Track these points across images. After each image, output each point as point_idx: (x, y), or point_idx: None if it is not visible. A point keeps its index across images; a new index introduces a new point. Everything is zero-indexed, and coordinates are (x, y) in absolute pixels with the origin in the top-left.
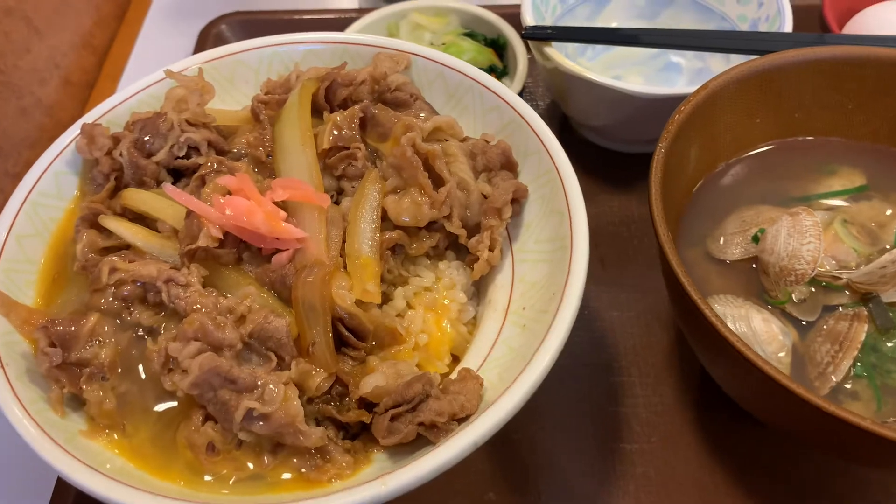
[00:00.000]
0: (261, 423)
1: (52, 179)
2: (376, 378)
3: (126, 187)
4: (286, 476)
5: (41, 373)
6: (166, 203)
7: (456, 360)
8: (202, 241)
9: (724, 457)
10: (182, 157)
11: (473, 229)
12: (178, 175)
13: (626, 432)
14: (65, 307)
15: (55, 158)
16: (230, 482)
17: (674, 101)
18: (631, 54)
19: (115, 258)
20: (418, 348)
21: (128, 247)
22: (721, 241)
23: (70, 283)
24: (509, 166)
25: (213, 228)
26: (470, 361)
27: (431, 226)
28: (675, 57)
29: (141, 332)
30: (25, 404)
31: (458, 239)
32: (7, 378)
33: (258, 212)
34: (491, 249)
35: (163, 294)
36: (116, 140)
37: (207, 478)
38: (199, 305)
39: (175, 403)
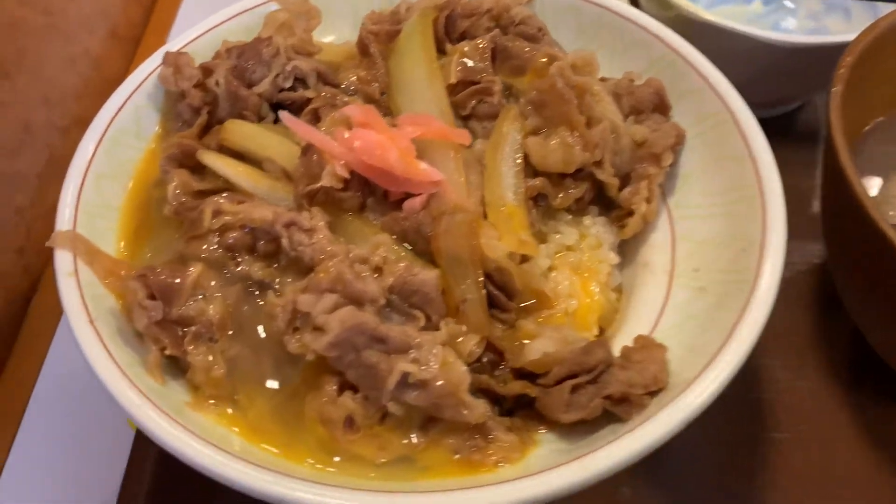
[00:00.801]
0: (415, 391)
1: (132, 115)
2: (544, 343)
3: (219, 123)
4: (441, 458)
5: (139, 329)
6: (276, 139)
7: (600, 331)
8: (326, 181)
9: (892, 451)
10: (287, 90)
11: (622, 180)
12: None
13: (771, 421)
14: (154, 259)
15: (134, 91)
16: (375, 464)
17: (818, 52)
18: (737, 14)
19: (220, 199)
20: (567, 315)
21: (224, 191)
22: (888, 205)
23: (155, 233)
24: (662, 108)
25: (338, 166)
26: (629, 330)
27: (577, 174)
28: (787, 19)
29: (251, 287)
30: (124, 367)
31: (605, 191)
32: (100, 336)
33: (392, 148)
34: (648, 202)
35: (283, 240)
36: (207, 71)
37: (337, 459)
38: (328, 254)
39: (298, 370)
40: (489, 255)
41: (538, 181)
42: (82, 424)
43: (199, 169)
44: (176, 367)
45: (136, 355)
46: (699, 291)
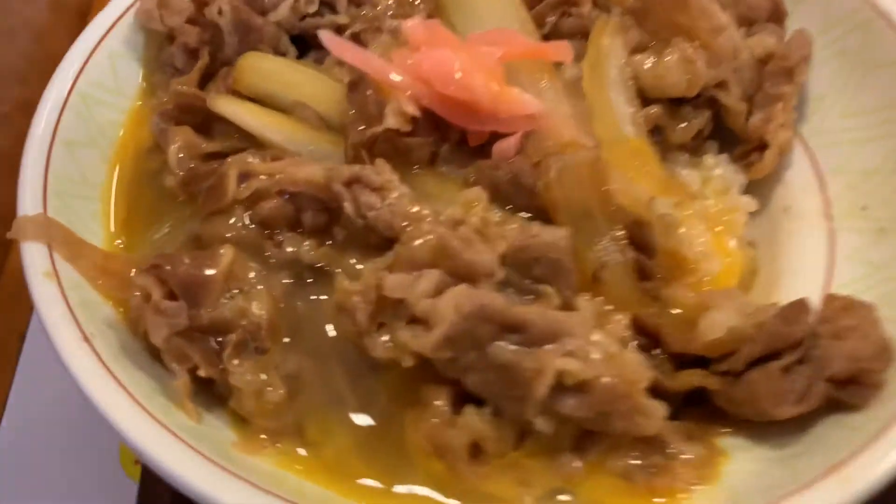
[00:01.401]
0: (574, 398)
1: (107, 63)
2: (727, 316)
3: (225, 66)
4: (610, 487)
5: (157, 344)
6: (308, 75)
7: None
8: (390, 121)
9: None
10: (311, 16)
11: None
12: (301, 47)
13: None
14: (162, 247)
15: (106, 34)
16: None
17: None
18: None
19: (248, 157)
20: (711, 280)
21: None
22: None
23: (157, 212)
24: (777, 16)
25: (404, 100)
26: (786, 292)
27: (696, 100)
28: None
29: (303, 274)
30: (141, 400)
31: (725, 121)
32: (101, 359)
33: (476, 70)
34: (785, 129)
35: (345, 205)
36: (202, 2)
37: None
38: (412, 218)
39: (387, 383)
40: (628, 204)
41: (655, 109)
42: (63, 477)
43: (204, 126)
44: (210, 393)
45: (154, 382)
46: (878, 234)
